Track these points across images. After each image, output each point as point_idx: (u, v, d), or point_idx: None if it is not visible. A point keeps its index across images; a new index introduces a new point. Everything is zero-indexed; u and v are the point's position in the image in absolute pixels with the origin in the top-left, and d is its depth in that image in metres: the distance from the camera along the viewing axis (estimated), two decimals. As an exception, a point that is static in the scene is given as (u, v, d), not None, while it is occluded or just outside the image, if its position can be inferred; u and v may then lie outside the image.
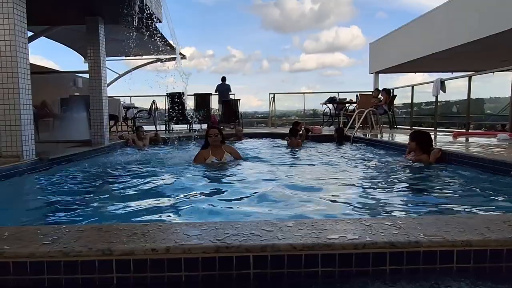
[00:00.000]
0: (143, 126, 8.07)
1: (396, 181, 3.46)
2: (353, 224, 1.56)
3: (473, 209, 2.40)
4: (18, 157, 4.02)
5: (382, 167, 4.29)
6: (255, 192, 2.98)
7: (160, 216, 2.40)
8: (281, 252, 1.35)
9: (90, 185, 3.50)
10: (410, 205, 2.52)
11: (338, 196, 2.87)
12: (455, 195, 2.78)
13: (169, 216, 2.42)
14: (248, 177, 3.72)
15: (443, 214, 2.29)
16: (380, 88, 10.52)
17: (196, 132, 8.71)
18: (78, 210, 2.53)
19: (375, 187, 3.17)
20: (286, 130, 8.32)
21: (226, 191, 3.11)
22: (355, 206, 2.50)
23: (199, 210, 2.49)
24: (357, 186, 3.32)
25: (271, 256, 1.34)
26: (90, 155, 5.42)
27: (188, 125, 10.58)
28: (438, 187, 3.11)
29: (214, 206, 2.57)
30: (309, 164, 4.77)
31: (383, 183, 3.36)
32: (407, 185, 3.33)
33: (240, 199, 2.81)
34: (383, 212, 2.33)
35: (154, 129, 9.78)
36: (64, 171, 4.13)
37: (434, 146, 4.32)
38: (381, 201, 2.60)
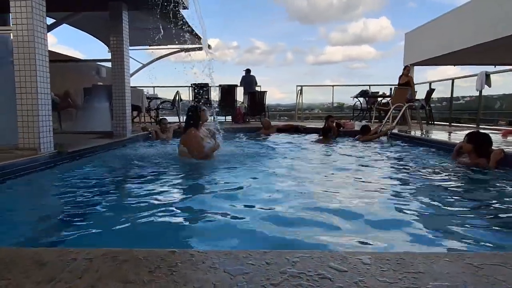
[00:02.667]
0: (166, 118, 7.79)
1: (459, 191, 2.91)
2: (455, 264, 1.13)
3: None
4: (35, 150, 3.76)
5: (433, 171, 3.71)
6: (297, 200, 2.58)
7: (188, 229, 2.06)
8: (365, 309, 0.94)
9: (109, 185, 3.17)
10: (495, 228, 1.99)
11: (393, 209, 2.39)
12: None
13: (198, 225, 2.07)
14: (287, 181, 3.30)
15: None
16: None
17: (219, 125, 8.38)
18: (92, 218, 2.21)
19: (436, 199, 2.59)
20: (311, 123, 7.83)
21: (261, 196, 2.72)
22: (420, 224, 2.04)
23: (231, 221, 2.12)
24: (411, 196, 2.74)
25: (351, 314, 0.94)
26: (111, 148, 5.15)
27: (212, 117, 10.24)
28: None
29: (248, 216, 2.19)
30: (346, 166, 4.28)
31: (444, 194, 2.79)
32: (474, 197, 2.75)
33: (278, 207, 2.41)
34: (465, 238, 1.82)
35: (178, 121, 9.50)
36: (82, 167, 3.85)
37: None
38: (454, 220, 2.07)
